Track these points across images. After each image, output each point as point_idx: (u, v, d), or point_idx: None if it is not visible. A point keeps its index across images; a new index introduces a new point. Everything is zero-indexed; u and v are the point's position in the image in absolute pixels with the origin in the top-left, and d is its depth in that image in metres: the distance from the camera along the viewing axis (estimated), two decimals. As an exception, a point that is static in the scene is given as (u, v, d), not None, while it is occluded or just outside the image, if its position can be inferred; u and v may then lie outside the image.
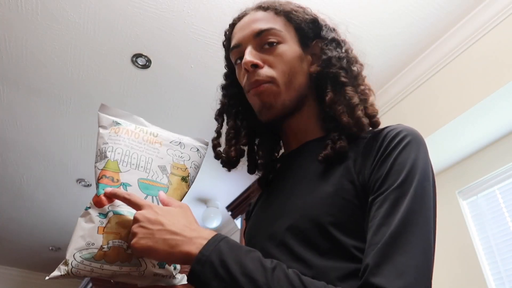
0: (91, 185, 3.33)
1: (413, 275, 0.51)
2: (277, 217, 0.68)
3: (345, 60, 0.72)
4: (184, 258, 0.53)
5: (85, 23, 2.02)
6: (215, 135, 0.80)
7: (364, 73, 0.76)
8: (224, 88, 0.83)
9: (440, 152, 2.10)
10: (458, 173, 2.16)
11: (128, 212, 0.61)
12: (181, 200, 0.69)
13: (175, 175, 0.69)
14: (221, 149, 0.79)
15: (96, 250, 0.57)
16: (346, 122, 0.67)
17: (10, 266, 4.77)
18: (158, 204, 0.63)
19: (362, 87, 0.72)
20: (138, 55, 2.19)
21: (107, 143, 0.66)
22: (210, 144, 0.78)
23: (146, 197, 0.64)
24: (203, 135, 2.91)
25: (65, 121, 2.66)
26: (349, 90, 0.69)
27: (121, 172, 0.64)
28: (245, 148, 0.80)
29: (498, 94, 1.77)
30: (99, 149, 0.67)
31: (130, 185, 0.64)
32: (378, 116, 0.71)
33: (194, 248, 0.53)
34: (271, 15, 0.74)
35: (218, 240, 0.54)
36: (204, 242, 0.54)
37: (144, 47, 2.15)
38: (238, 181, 3.21)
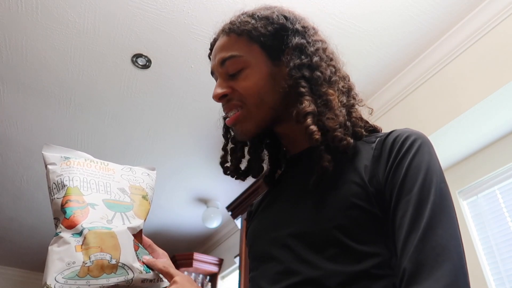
0: (91, 185, 3.33)
1: (449, 277, 0.51)
2: (282, 222, 0.68)
3: (306, 67, 0.69)
4: None
5: (85, 23, 2.01)
6: (222, 153, 0.80)
7: (337, 74, 0.72)
8: None
9: (440, 152, 2.09)
10: (458, 173, 2.16)
11: (103, 227, 0.61)
12: (146, 215, 0.70)
13: (135, 194, 0.71)
14: (229, 164, 0.79)
15: (78, 267, 0.56)
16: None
17: (10, 266, 4.77)
18: (128, 219, 0.65)
19: (325, 98, 0.67)
20: (138, 55, 2.19)
21: (62, 174, 0.66)
22: (210, 163, 0.80)
23: (114, 215, 0.64)
24: (203, 135, 2.89)
25: (65, 121, 2.66)
26: (306, 99, 0.66)
27: (84, 195, 0.64)
28: (249, 155, 0.81)
29: (498, 94, 1.77)
30: (53, 183, 0.66)
31: (97, 205, 0.64)
32: (338, 131, 0.65)
33: None
34: (233, 39, 0.73)
35: None
36: None
37: (144, 47, 2.15)
38: (238, 181, 3.20)
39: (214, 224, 3.50)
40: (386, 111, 2.33)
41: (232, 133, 0.80)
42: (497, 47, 1.82)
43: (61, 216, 0.61)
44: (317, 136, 0.64)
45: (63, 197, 0.63)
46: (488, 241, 1.95)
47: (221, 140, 0.82)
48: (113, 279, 0.58)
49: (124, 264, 0.59)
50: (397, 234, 0.57)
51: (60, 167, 0.67)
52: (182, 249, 4.25)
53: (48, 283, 0.55)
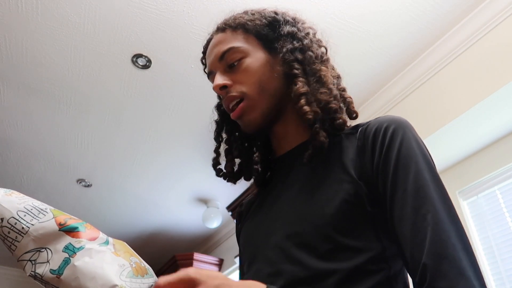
0: (91, 185, 3.33)
1: (470, 266, 0.52)
2: (273, 221, 0.68)
3: (298, 50, 0.73)
4: None
5: (85, 23, 2.01)
6: (214, 155, 0.81)
7: (328, 55, 0.77)
8: (216, 107, 0.85)
9: (440, 152, 2.10)
10: (458, 173, 2.16)
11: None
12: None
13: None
14: (222, 166, 0.80)
15: (130, 268, 0.56)
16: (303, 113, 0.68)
17: (10, 266, 4.77)
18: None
19: (318, 75, 0.71)
20: (138, 55, 2.19)
21: (25, 201, 0.59)
22: (210, 163, 0.81)
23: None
24: (204, 135, 2.88)
25: (65, 121, 2.66)
26: (299, 80, 0.70)
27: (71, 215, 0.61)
28: (241, 158, 0.81)
29: (498, 94, 1.77)
30: (19, 211, 0.56)
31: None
32: (332, 103, 0.69)
33: None
34: (229, 33, 0.75)
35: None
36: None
37: (144, 47, 2.15)
38: (239, 181, 3.20)
39: (214, 224, 3.50)
40: (386, 112, 2.33)
41: (224, 136, 0.81)
42: (496, 47, 1.82)
43: (67, 235, 0.56)
44: (309, 116, 0.66)
45: (54, 218, 0.57)
46: (488, 241, 1.95)
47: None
48: (151, 279, 0.59)
49: (149, 268, 0.60)
50: (400, 225, 0.57)
51: (14, 196, 0.59)
52: (182, 249, 4.25)
53: (118, 283, 0.52)
